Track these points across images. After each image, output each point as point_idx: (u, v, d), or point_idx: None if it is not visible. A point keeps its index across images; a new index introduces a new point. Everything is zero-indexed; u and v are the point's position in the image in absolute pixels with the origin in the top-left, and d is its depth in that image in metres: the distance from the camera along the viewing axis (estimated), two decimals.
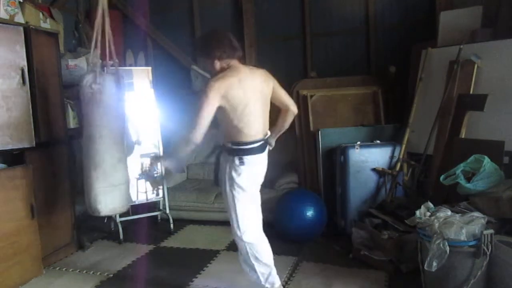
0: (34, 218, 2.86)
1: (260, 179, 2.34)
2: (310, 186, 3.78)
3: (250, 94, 2.14)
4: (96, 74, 2.63)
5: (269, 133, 2.32)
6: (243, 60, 2.31)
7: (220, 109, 2.10)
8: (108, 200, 2.68)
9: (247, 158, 2.17)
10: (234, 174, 2.19)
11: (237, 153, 2.18)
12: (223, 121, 2.18)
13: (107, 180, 2.66)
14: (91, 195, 2.66)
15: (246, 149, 2.17)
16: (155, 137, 3.79)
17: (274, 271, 2.34)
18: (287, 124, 2.45)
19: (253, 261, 2.30)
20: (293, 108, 2.39)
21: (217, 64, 2.19)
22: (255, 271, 2.32)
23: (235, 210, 2.24)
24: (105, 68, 2.83)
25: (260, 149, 2.22)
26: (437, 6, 3.89)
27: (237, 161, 2.17)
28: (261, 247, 2.30)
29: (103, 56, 2.77)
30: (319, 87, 3.90)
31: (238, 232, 2.27)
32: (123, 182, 2.77)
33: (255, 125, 2.18)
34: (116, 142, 2.71)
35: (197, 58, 2.27)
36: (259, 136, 2.21)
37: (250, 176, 2.22)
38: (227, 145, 2.22)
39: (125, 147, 2.81)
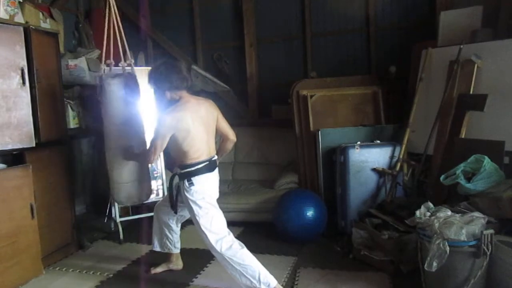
0: (34, 218, 2.86)
1: (214, 195, 2.54)
2: (310, 186, 3.78)
3: (196, 123, 2.40)
4: (120, 72, 2.71)
5: (215, 156, 2.58)
6: (191, 90, 2.63)
7: (171, 137, 2.38)
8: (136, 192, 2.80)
9: (195, 179, 2.42)
10: (187, 194, 2.43)
11: (185, 176, 2.43)
12: (173, 147, 2.44)
13: (135, 175, 2.76)
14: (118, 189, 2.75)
15: (192, 170, 2.42)
16: None
17: (264, 270, 2.37)
18: (227, 149, 2.79)
19: (238, 267, 2.36)
20: (232, 137, 2.70)
21: (167, 95, 2.46)
22: (245, 275, 2.36)
23: (201, 227, 2.44)
24: (120, 66, 2.85)
25: (206, 169, 2.46)
26: (437, 6, 3.90)
27: (187, 183, 2.43)
28: (239, 252, 2.38)
29: (108, 55, 2.80)
30: (319, 87, 3.90)
31: (214, 246, 2.40)
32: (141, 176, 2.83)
33: (199, 148, 2.43)
34: (138, 137, 2.77)
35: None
36: (203, 157, 2.45)
37: (201, 193, 2.43)
38: (177, 171, 2.49)
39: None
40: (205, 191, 2.46)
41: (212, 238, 2.41)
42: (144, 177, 2.82)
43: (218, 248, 2.39)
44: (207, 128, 2.49)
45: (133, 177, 2.80)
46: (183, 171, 2.45)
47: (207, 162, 2.47)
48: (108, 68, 2.84)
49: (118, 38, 2.81)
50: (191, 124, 2.38)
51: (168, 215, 2.78)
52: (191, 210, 2.48)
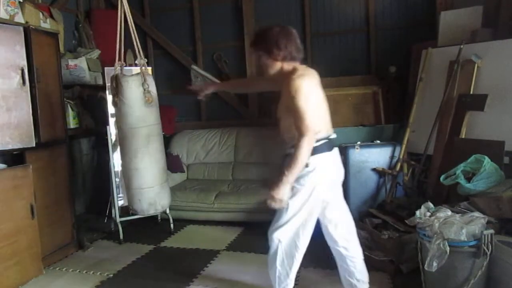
0: (34, 218, 2.86)
1: (332, 180, 2.20)
2: None
3: (321, 93, 2.10)
4: (144, 75, 2.69)
5: (333, 135, 2.16)
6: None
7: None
8: (168, 194, 2.94)
9: (312, 158, 2.01)
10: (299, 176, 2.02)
11: None
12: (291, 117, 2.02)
13: (165, 175, 2.90)
14: (153, 193, 2.79)
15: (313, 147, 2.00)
16: None
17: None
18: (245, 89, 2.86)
19: (279, 266, 2.19)
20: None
21: (278, 66, 2.08)
22: (276, 274, 2.19)
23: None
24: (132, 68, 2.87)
25: (326, 148, 2.09)
26: (437, 6, 3.91)
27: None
28: (293, 254, 2.21)
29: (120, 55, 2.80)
30: None
31: (277, 230, 2.17)
32: (166, 179, 2.97)
33: (323, 122, 2.08)
34: (161, 139, 2.89)
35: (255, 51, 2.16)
36: (323, 134, 2.07)
37: (316, 176, 2.07)
38: (289, 151, 2.08)
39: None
40: (320, 174, 2.06)
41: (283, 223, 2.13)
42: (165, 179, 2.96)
43: (277, 234, 2.16)
44: (324, 101, 2.12)
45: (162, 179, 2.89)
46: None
47: (326, 140, 2.09)
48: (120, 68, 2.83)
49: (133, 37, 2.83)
50: (319, 94, 2.06)
51: (330, 237, 2.30)
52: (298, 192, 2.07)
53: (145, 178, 2.75)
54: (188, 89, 2.69)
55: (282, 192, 1.97)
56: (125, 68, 2.89)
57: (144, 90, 2.67)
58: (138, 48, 2.81)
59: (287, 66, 2.08)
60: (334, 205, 2.26)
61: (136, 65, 2.84)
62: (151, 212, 2.92)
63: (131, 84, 2.68)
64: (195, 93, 2.59)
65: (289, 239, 2.15)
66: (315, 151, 2.02)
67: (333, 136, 2.16)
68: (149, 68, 4.11)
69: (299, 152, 1.92)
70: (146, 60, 2.91)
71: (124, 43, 2.86)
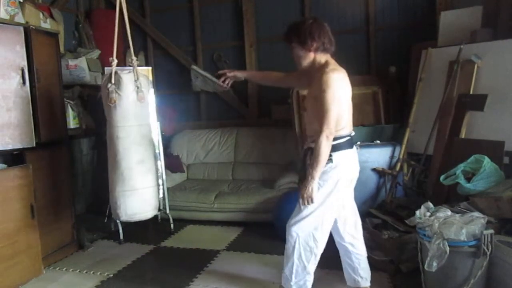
0: (34, 218, 2.86)
1: (351, 176, 2.18)
2: None
3: (350, 91, 2.12)
4: (112, 74, 2.64)
5: (353, 132, 2.19)
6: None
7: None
8: (127, 204, 2.70)
9: (335, 154, 2.06)
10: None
11: None
12: (317, 111, 2.04)
13: (126, 183, 2.67)
14: (112, 198, 2.74)
15: (334, 144, 2.04)
16: (155, 137, 3.78)
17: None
18: (270, 81, 2.72)
19: (296, 258, 2.18)
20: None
21: (311, 57, 2.13)
22: (291, 268, 2.18)
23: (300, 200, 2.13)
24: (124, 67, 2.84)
25: (347, 145, 2.12)
26: (437, 6, 3.91)
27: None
28: (311, 250, 2.17)
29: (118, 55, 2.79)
30: None
31: (295, 224, 2.15)
32: (146, 186, 2.75)
33: (347, 119, 2.12)
34: (136, 143, 2.71)
35: (290, 45, 2.20)
36: (346, 131, 2.12)
37: (337, 173, 2.08)
38: (309, 145, 2.14)
39: (152, 148, 2.87)
40: (342, 170, 2.09)
41: (301, 217, 2.12)
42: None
43: (296, 228, 2.14)
44: (350, 99, 2.14)
45: (148, 181, 2.80)
46: None
47: (348, 137, 2.13)
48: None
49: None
50: (347, 90, 2.08)
51: (337, 232, 2.31)
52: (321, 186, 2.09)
53: (108, 181, 2.78)
54: (217, 74, 2.62)
55: (310, 190, 2.03)
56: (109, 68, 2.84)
57: (108, 90, 2.63)
58: (118, 48, 2.77)
59: (319, 57, 2.13)
60: (346, 202, 2.28)
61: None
62: (115, 217, 2.92)
63: (102, 83, 2.72)
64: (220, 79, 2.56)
65: (307, 233, 2.15)
66: (339, 147, 2.08)
67: (353, 134, 2.20)
68: (149, 68, 4.13)
69: (320, 148, 1.99)
70: (136, 59, 2.83)
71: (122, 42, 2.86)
